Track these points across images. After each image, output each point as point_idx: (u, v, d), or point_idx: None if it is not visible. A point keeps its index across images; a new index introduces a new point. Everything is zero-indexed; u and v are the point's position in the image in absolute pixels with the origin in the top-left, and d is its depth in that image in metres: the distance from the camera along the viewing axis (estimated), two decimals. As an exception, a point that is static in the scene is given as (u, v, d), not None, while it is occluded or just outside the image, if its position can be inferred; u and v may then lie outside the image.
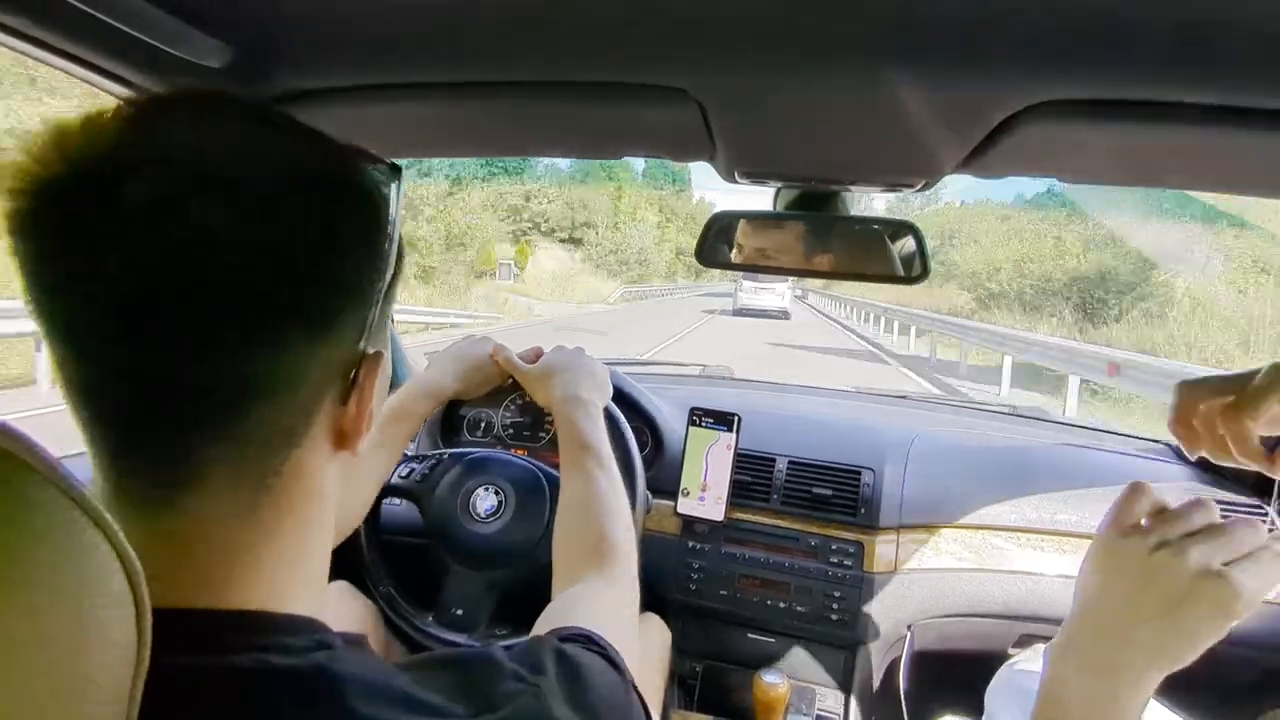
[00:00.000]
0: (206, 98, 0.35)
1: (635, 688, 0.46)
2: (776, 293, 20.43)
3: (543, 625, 0.52)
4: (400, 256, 0.39)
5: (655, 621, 1.19)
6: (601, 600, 0.61)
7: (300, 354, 0.34)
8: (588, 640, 0.47)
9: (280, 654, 0.32)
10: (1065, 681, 0.49)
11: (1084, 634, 0.50)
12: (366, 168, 0.36)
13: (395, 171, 0.38)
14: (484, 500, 1.02)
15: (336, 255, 0.34)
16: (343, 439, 0.38)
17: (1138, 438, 1.53)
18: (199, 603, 0.33)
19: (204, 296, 0.31)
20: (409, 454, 1.09)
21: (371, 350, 0.38)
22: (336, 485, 0.40)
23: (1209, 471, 1.30)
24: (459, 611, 0.99)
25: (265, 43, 0.68)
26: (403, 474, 1.06)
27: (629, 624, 0.62)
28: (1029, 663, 1.06)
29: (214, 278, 0.31)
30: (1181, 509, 0.48)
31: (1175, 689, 0.97)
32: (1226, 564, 0.44)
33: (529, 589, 1.00)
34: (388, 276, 0.38)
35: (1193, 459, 0.54)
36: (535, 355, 0.94)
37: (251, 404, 0.33)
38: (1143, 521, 0.49)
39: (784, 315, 20.46)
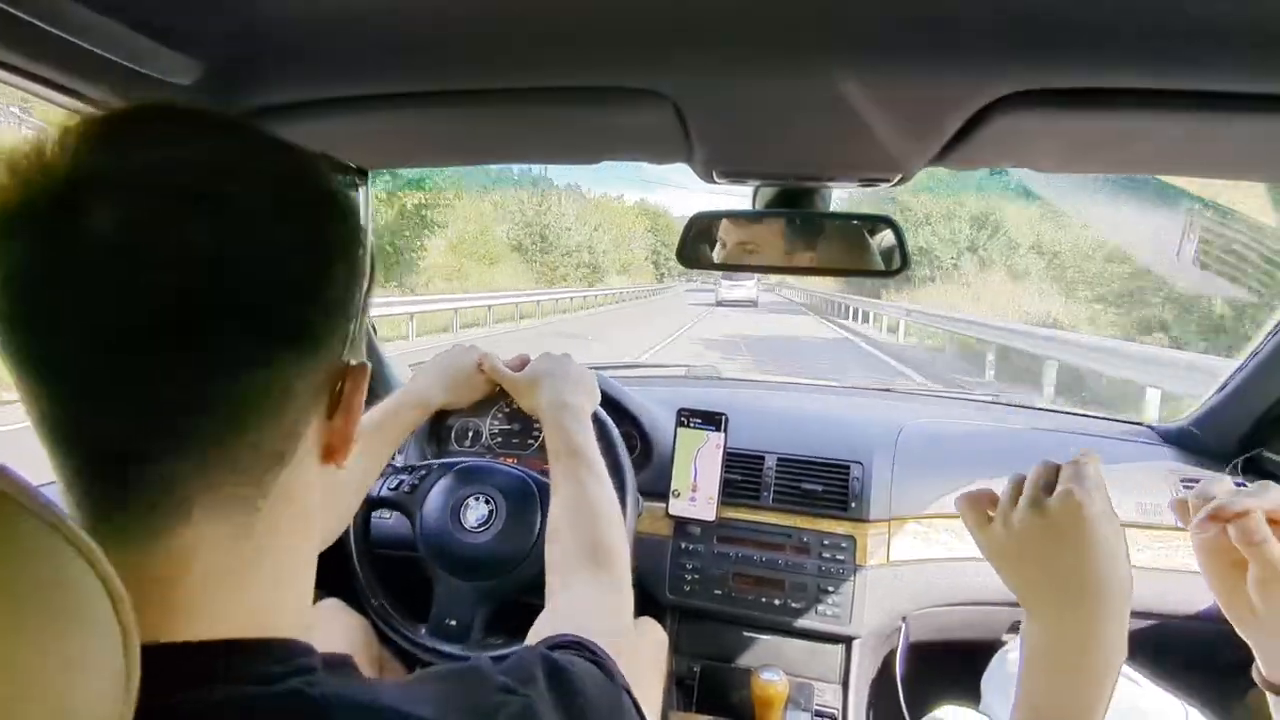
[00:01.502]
0: (175, 112, 0.33)
1: (629, 691, 0.46)
2: (746, 287, 26.20)
3: (535, 635, 0.52)
4: (373, 265, 0.39)
5: (651, 624, 1.19)
6: (595, 605, 0.61)
7: (289, 373, 0.33)
8: (579, 647, 0.47)
9: (258, 684, 0.31)
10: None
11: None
12: (337, 177, 0.36)
13: (362, 176, 0.38)
14: (475, 510, 1.01)
15: (323, 269, 0.34)
16: (330, 453, 0.38)
17: (1122, 421, 1.55)
18: (179, 636, 0.31)
19: (190, 321, 0.29)
20: (397, 465, 1.08)
21: (354, 362, 0.38)
22: (320, 498, 0.39)
23: (1191, 452, 1.32)
24: (452, 622, 0.98)
25: (235, 58, 0.67)
26: (391, 486, 1.05)
27: (624, 627, 0.62)
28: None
29: (200, 300, 0.29)
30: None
31: (1166, 667, 0.98)
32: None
33: (521, 597, 0.99)
34: (365, 286, 0.37)
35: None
36: (521, 363, 0.94)
37: (241, 429, 0.32)
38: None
39: (753, 304, 26.12)
